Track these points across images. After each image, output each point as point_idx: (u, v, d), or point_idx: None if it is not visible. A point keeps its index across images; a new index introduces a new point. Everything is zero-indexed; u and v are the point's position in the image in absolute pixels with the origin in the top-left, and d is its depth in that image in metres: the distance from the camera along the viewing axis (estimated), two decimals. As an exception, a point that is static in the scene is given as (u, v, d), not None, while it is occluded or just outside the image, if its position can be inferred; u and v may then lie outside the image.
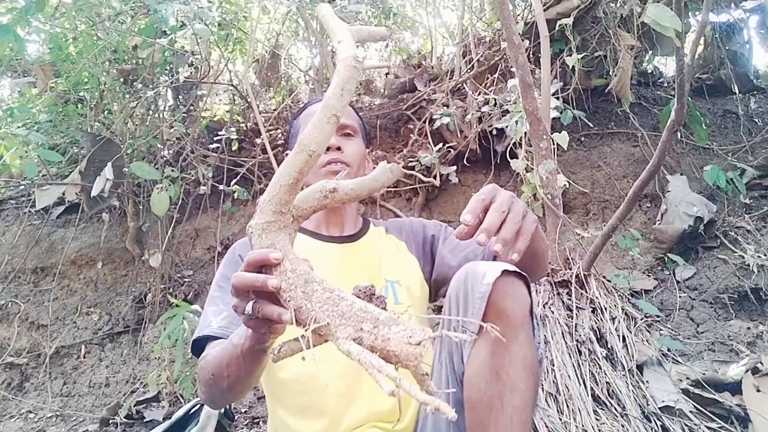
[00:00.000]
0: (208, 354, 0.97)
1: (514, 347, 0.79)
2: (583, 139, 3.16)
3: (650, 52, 3.17)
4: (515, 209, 0.76)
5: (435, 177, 2.87)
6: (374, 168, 1.33)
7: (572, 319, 1.99)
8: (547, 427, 1.69)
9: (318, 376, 1.05)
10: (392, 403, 1.02)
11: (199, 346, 1.03)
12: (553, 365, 1.86)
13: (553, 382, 1.83)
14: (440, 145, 2.86)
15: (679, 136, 3.00)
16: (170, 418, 1.98)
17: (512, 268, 0.85)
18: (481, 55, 3.14)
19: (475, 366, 0.82)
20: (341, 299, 0.65)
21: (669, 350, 2.10)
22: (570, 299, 2.04)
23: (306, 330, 0.63)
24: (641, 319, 2.19)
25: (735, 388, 1.84)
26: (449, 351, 0.92)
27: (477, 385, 0.80)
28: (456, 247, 1.15)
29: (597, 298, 2.09)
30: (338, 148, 1.18)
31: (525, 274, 0.87)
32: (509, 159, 2.64)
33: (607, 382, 1.85)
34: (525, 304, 0.84)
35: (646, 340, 2.10)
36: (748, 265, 2.36)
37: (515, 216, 0.75)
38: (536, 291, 2.08)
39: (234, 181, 2.97)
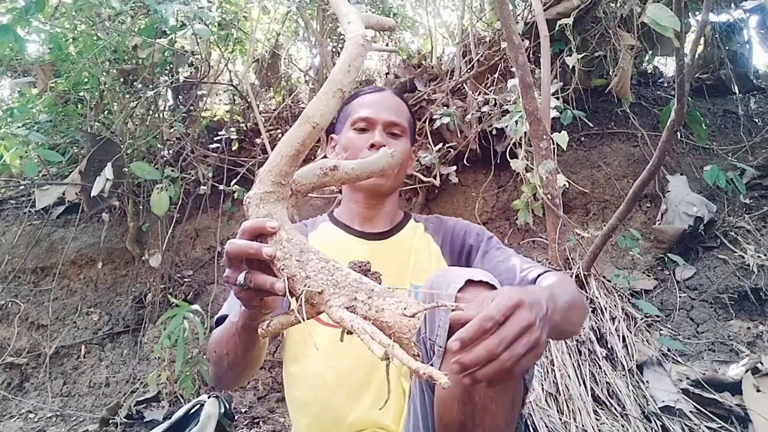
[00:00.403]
0: (215, 331, 0.98)
1: None
2: (583, 139, 3.16)
3: (650, 52, 3.17)
4: (518, 346, 0.60)
5: (435, 177, 2.87)
6: (416, 164, 1.29)
7: (572, 319, 1.99)
8: (547, 427, 1.69)
9: (326, 373, 1.04)
10: (396, 410, 1.01)
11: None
12: (553, 365, 1.87)
13: (553, 382, 1.83)
14: (440, 145, 2.86)
15: (679, 136, 3.00)
16: (170, 418, 1.97)
17: (479, 277, 0.79)
18: (481, 55, 3.13)
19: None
20: (336, 269, 0.64)
21: (669, 350, 2.10)
22: (570, 299, 2.04)
23: (299, 296, 0.63)
24: (641, 319, 2.19)
25: (735, 388, 1.84)
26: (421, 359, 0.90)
27: (449, 404, 0.78)
28: (494, 267, 1.04)
29: (597, 298, 2.09)
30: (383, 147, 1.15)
31: (494, 284, 0.80)
32: (509, 159, 2.64)
33: (607, 382, 1.85)
34: None
35: (646, 340, 2.10)
36: (748, 265, 2.36)
37: (511, 357, 0.59)
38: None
39: (234, 181, 2.97)
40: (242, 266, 0.69)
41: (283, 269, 0.65)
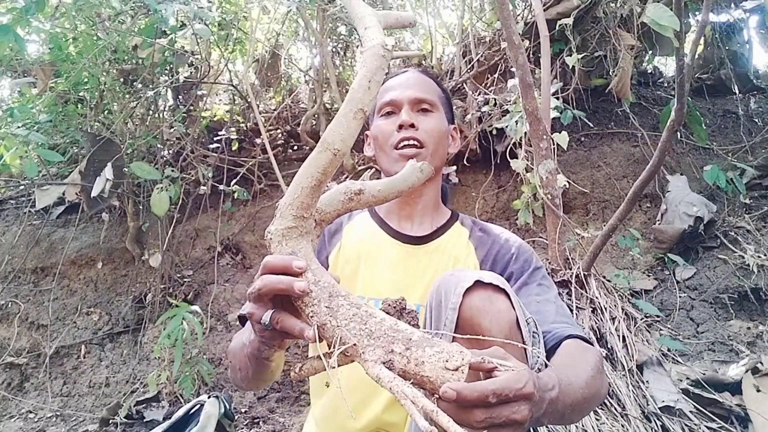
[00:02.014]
0: (235, 337, 0.95)
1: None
2: (583, 139, 3.16)
3: (650, 52, 3.17)
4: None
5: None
6: (460, 145, 1.19)
7: (572, 319, 1.99)
8: (547, 427, 1.69)
9: (344, 372, 1.02)
10: (401, 416, 1.00)
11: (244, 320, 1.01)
12: (553, 365, 1.86)
13: (553, 382, 1.82)
14: (440, 145, 2.85)
15: (679, 136, 3.00)
16: (170, 418, 1.98)
17: (489, 279, 0.78)
18: (481, 55, 3.13)
19: None
20: (369, 316, 0.59)
21: (669, 350, 2.10)
22: (570, 299, 2.04)
23: (332, 352, 0.58)
24: (641, 319, 2.19)
25: (735, 388, 1.84)
26: None
27: None
28: (526, 305, 0.91)
29: (597, 298, 2.09)
30: (412, 125, 1.06)
31: (504, 287, 0.78)
32: (509, 159, 2.64)
33: (607, 383, 1.85)
34: (506, 322, 0.75)
35: (646, 340, 2.10)
36: (748, 265, 2.36)
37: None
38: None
39: (234, 181, 2.97)
40: (268, 304, 0.65)
41: (312, 316, 0.61)
